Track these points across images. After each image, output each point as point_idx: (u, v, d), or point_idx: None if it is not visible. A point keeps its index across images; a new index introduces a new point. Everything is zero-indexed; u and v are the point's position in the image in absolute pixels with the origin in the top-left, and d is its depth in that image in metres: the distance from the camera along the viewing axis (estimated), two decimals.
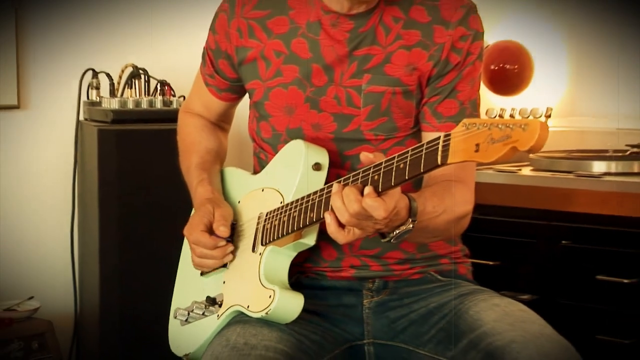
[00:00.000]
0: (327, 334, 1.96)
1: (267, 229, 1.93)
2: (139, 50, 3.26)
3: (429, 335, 1.93)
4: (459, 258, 2.09)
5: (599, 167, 2.75)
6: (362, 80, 1.96)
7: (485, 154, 1.54)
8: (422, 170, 1.63)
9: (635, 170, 2.71)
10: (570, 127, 3.23)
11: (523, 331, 1.79)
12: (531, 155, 2.94)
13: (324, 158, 1.93)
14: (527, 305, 1.91)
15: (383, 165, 1.69)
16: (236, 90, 2.15)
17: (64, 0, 3.23)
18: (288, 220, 1.88)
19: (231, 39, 2.05)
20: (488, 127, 1.54)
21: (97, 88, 3.14)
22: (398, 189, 1.71)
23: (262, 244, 1.93)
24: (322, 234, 1.92)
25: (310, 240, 1.91)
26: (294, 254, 1.93)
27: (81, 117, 3.16)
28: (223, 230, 1.95)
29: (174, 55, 3.23)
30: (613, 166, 2.74)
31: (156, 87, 3.14)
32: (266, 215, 1.95)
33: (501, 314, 1.86)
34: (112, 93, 3.13)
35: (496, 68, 3.31)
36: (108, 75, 3.14)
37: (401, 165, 1.67)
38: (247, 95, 2.12)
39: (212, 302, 1.99)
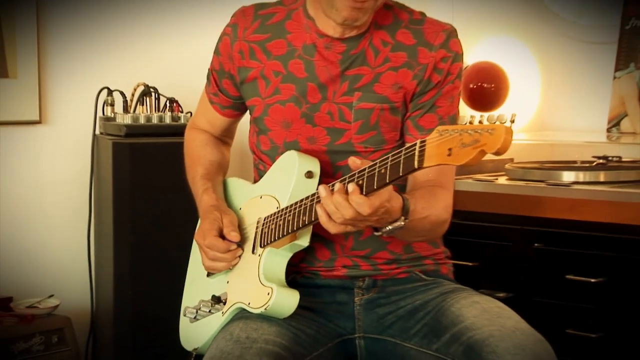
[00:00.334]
0: (321, 328, 1.96)
1: (265, 232, 1.93)
2: (150, 70, 3.25)
3: (415, 329, 1.93)
4: (441, 259, 2.10)
5: (568, 176, 2.74)
6: (352, 98, 1.96)
7: (457, 157, 1.54)
8: (401, 174, 1.64)
9: (601, 179, 2.71)
10: (542, 141, 3.23)
11: (500, 326, 1.79)
12: (507, 166, 2.94)
13: (315, 166, 1.93)
14: (503, 302, 1.92)
15: (367, 170, 1.70)
16: (238, 107, 2.14)
17: (82, 25, 3.23)
18: (284, 223, 1.88)
19: (234, 60, 2.05)
20: (459, 132, 1.55)
21: (112, 105, 3.14)
22: (388, 188, 1.71)
23: (260, 246, 1.93)
24: (316, 237, 1.92)
25: (304, 241, 1.90)
26: (290, 254, 1.93)
27: (97, 132, 3.15)
28: (234, 235, 1.96)
29: (182, 76, 3.22)
30: (581, 176, 2.74)
31: (165, 104, 3.13)
32: (264, 220, 1.95)
33: (480, 310, 1.86)
34: (126, 109, 3.12)
35: (475, 87, 3.31)
36: (122, 93, 3.13)
37: (382, 170, 1.67)
38: (247, 111, 2.12)
39: (217, 300, 1.99)
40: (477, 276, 2.68)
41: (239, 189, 2.12)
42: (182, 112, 3.12)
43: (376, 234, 1.80)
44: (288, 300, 1.87)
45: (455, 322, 1.85)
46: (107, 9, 3.27)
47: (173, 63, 3.35)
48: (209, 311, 2.00)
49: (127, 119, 3.02)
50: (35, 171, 3.19)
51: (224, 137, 2.24)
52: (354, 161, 1.74)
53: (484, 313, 1.84)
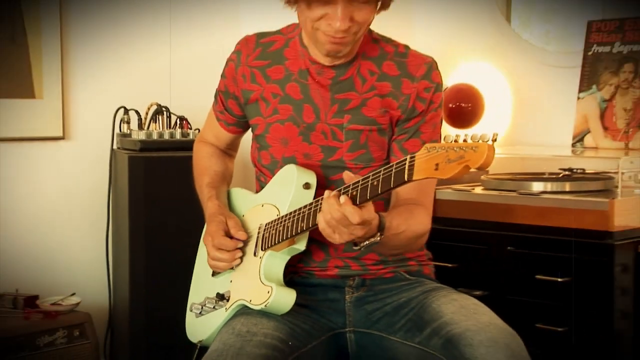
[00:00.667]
0: (315, 323, 1.96)
1: (265, 237, 1.93)
2: (162, 92, 3.26)
3: (400, 324, 1.93)
4: (424, 261, 2.09)
5: (537, 186, 2.75)
6: (343, 120, 1.96)
7: (443, 171, 1.55)
8: (392, 186, 1.64)
9: (567, 189, 2.71)
10: (514, 155, 3.23)
11: (476, 321, 1.79)
12: (482, 177, 2.94)
13: (312, 178, 1.93)
14: (479, 299, 1.91)
15: (360, 182, 1.70)
16: (241, 125, 2.15)
17: (101, 51, 3.23)
18: (283, 229, 1.88)
19: (238, 83, 2.06)
20: (445, 149, 1.55)
21: (128, 122, 3.14)
22: (372, 207, 1.71)
23: (262, 249, 1.93)
24: (312, 241, 1.92)
25: (301, 245, 1.90)
26: (288, 257, 1.92)
27: (115, 146, 3.16)
28: (242, 234, 1.96)
29: (190, 97, 3.23)
30: (549, 186, 2.74)
31: (176, 122, 3.14)
32: (265, 226, 1.94)
33: (458, 307, 1.86)
34: (140, 126, 3.13)
35: (454, 106, 3.31)
36: (137, 112, 3.14)
37: (375, 183, 1.67)
38: (250, 129, 2.12)
39: (221, 297, 1.98)
40: (456, 276, 2.68)
41: (243, 198, 2.12)
42: (190, 128, 3.12)
43: (355, 248, 1.79)
44: (286, 299, 1.87)
45: (436, 318, 1.85)
46: (124, 37, 3.28)
47: (183, 85, 3.36)
48: (213, 307, 2.00)
49: (141, 135, 3.02)
50: (59, 182, 3.19)
51: (229, 150, 2.24)
52: (348, 175, 1.75)
53: (461, 309, 1.84)
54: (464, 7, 3.50)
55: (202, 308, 2.04)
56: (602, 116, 2.98)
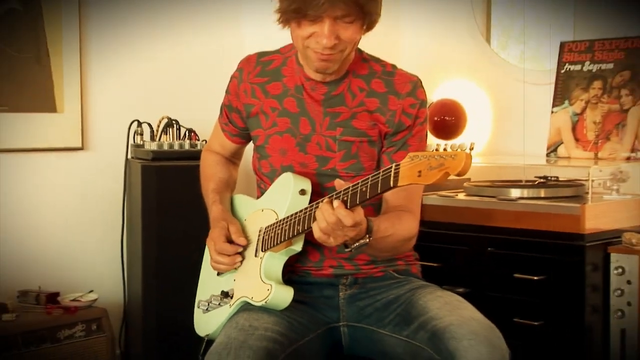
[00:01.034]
0: (312, 318, 1.95)
1: (265, 239, 1.92)
2: (173, 106, 3.25)
3: (389, 319, 1.92)
4: (411, 261, 2.09)
5: (514, 193, 2.74)
6: (336, 132, 1.96)
7: (425, 178, 1.55)
8: (379, 191, 1.65)
9: (542, 195, 2.71)
10: (493, 164, 3.23)
11: (459, 316, 1.78)
12: (465, 184, 2.94)
13: (307, 185, 1.92)
14: (462, 296, 1.91)
15: (350, 188, 1.70)
16: (244, 136, 2.14)
17: (116, 69, 3.23)
18: (281, 232, 1.87)
19: (240, 97, 2.05)
20: (427, 158, 1.56)
21: (141, 134, 3.13)
22: (362, 211, 1.71)
23: (262, 250, 1.92)
24: (308, 243, 1.91)
25: (298, 247, 1.90)
26: (286, 257, 1.92)
27: (129, 156, 3.15)
28: (242, 240, 1.96)
29: (198, 111, 3.21)
30: (525, 192, 2.73)
31: (185, 134, 3.13)
32: (265, 229, 1.94)
33: (443, 303, 1.85)
34: (152, 138, 3.12)
35: (438, 119, 3.31)
36: (149, 124, 3.13)
37: (363, 188, 1.67)
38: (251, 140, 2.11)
39: (225, 295, 1.97)
40: (441, 275, 2.67)
41: (245, 203, 2.11)
42: (198, 140, 3.11)
43: (346, 250, 1.79)
44: (284, 295, 1.86)
45: (422, 313, 1.85)
46: (137, 56, 3.28)
47: (191, 101, 3.35)
48: (219, 304, 1.99)
49: (153, 146, 3.02)
50: (79, 189, 3.19)
51: (233, 158, 2.23)
52: (339, 182, 1.75)
53: (445, 305, 1.84)
54: (448, 30, 3.50)
55: (208, 305, 2.03)
56: (574, 129, 2.97)
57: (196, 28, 3.39)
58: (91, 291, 3.05)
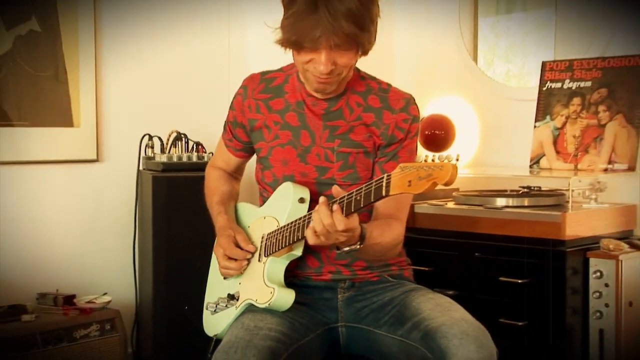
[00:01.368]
0: (312, 318, 1.94)
1: (267, 245, 1.92)
2: (181, 120, 3.25)
3: (384, 319, 1.92)
4: (404, 265, 2.09)
5: (500, 202, 2.74)
6: (334, 144, 1.96)
7: (415, 187, 1.56)
8: (372, 200, 1.65)
9: (525, 204, 2.71)
10: (480, 174, 3.23)
11: (450, 317, 1.78)
12: (454, 194, 2.94)
13: (306, 194, 1.92)
14: (452, 298, 1.91)
15: (346, 197, 1.70)
16: (247, 150, 2.14)
17: (129, 87, 3.23)
18: (282, 238, 1.87)
19: (244, 113, 2.05)
20: (417, 169, 1.56)
21: (152, 147, 3.13)
22: (357, 218, 1.71)
23: (265, 256, 1.92)
24: (309, 251, 1.91)
25: (298, 252, 1.90)
26: (287, 262, 1.91)
27: (141, 168, 3.15)
28: (251, 247, 1.96)
29: (205, 125, 3.22)
30: (510, 201, 2.73)
31: (193, 147, 3.12)
32: (267, 235, 1.94)
33: (434, 305, 1.85)
34: (162, 150, 3.12)
35: (429, 133, 3.31)
36: (159, 138, 3.13)
37: (358, 197, 1.68)
38: (254, 154, 2.11)
39: (231, 297, 1.97)
40: (432, 278, 2.66)
41: (248, 211, 2.10)
42: (205, 152, 3.11)
43: (337, 252, 1.79)
44: (286, 298, 1.86)
45: (415, 314, 1.85)
46: (149, 75, 3.27)
47: (199, 116, 3.35)
48: (226, 306, 1.99)
49: (163, 158, 3.01)
50: (94, 198, 3.18)
51: (235, 174, 2.23)
52: (336, 189, 1.75)
53: (437, 307, 1.84)
54: (438, 50, 3.51)
55: (216, 307, 2.03)
56: (555, 142, 2.97)
57: (204, 51, 3.39)
58: (105, 294, 3.04)
